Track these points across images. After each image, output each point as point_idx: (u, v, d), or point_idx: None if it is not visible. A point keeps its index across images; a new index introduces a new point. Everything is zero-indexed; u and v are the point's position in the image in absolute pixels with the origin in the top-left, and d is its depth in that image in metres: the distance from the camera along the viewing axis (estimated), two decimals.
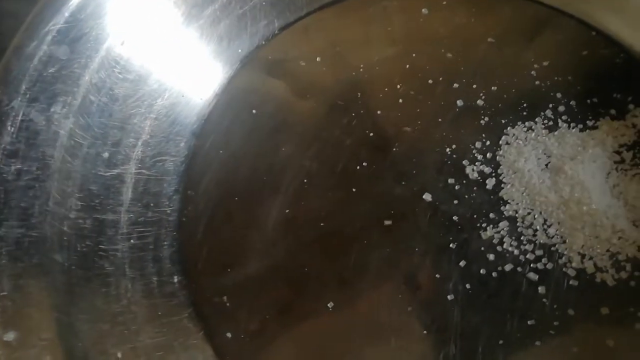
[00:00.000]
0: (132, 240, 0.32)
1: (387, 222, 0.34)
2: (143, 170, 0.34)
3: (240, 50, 0.40)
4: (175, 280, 0.32)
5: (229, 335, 0.32)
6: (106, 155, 0.33)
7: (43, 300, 0.28)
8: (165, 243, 0.33)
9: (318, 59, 0.39)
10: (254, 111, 0.38)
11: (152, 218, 0.33)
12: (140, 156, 0.34)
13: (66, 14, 0.31)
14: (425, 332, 0.31)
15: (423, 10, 0.41)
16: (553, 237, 0.33)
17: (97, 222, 0.31)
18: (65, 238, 0.30)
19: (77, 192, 0.31)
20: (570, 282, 0.31)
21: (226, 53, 0.39)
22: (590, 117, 0.36)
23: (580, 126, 0.35)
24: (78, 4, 0.31)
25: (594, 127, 0.35)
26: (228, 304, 0.32)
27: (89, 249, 0.30)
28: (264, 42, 0.40)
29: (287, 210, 0.34)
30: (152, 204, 0.33)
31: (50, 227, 0.29)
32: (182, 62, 0.37)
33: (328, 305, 0.32)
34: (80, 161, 0.31)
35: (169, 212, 0.34)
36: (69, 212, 0.30)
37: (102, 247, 0.31)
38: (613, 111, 0.36)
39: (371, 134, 0.36)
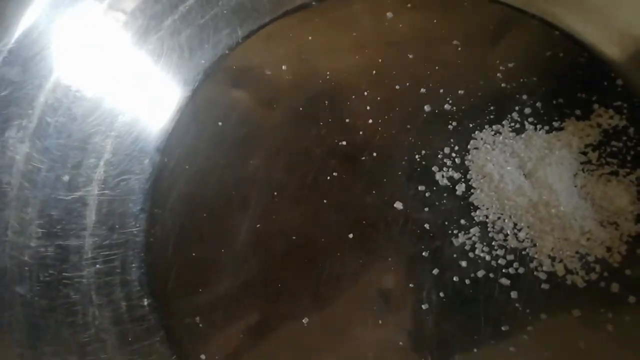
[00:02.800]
0: (97, 265, 0.32)
1: (359, 233, 0.34)
2: (106, 191, 0.33)
3: (203, 61, 0.39)
4: (145, 303, 0.32)
5: (203, 357, 0.32)
6: (66, 178, 0.32)
7: (4, 337, 0.28)
8: (133, 265, 0.33)
9: (284, 67, 0.39)
10: (219, 123, 0.37)
11: (118, 240, 0.33)
12: (102, 176, 0.34)
13: (16, 34, 0.30)
14: (401, 343, 0.31)
15: (388, 14, 0.41)
16: (523, 241, 0.33)
17: (60, 249, 0.31)
18: (26, 268, 0.29)
19: (37, 219, 0.30)
20: (542, 286, 0.32)
21: (188, 65, 0.39)
22: (556, 118, 0.36)
23: (547, 128, 0.36)
24: (29, 23, 0.30)
25: (560, 129, 0.36)
26: (201, 325, 0.32)
27: (52, 278, 0.30)
28: (227, 52, 0.40)
29: (257, 225, 0.34)
30: (117, 226, 0.33)
31: (9, 258, 0.29)
32: (142, 76, 0.37)
33: (303, 321, 0.32)
34: (39, 186, 0.31)
35: (135, 232, 0.34)
36: (29, 241, 0.29)
37: (66, 274, 0.31)
38: (578, 112, 0.36)
39: (340, 143, 0.36)
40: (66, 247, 0.31)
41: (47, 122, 0.31)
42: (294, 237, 0.34)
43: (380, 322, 0.32)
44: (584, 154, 0.35)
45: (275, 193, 0.35)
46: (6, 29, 0.30)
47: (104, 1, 0.34)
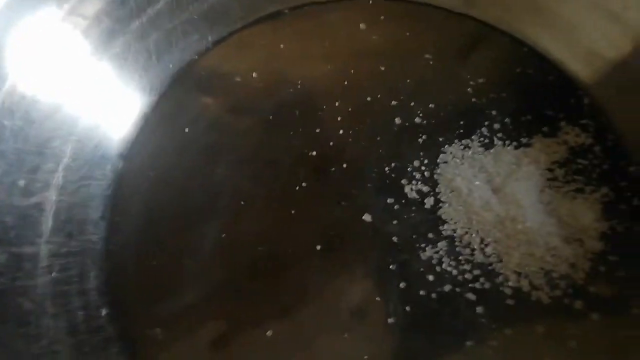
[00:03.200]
0: (53, 274, 0.30)
1: (327, 245, 0.33)
2: (65, 197, 0.32)
3: (170, 66, 0.39)
4: (103, 313, 0.31)
5: None
6: (22, 183, 0.31)
7: None
8: (92, 274, 0.32)
9: (254, 74, 0.39)
10: (186, 130, 0.37)
11: (76, 248, 0.32)
12: (61, 182, 0.32)
13: None
14: (366, 357, 0.31)
15: (361, 25, 0.41)
16: (490, 256, 0.33)
17: (13, 256, 0.30)
18: None
19: None
20: (507, 301, 0.32)
21: (155, 69, 0.38)
22: (524, 135, 0.37)
23: (515, 144, 0.36)
24: None
25: (528, 145, 0.37)
26: (161, 336, 0.31)
27: (4, 287, 0.29)
28: (196, 57, 0.39)
29: (223, 235, 0.34)
30: (75, 233, 0.32)
31: None
32: (106, 80, 0.36)
33: (267, 333, 0.31)
34: None
35: (94, 240, 0.33)
36: None
37: (19, 283, 0.29)
38: (546, 128, 0.37)
39: (310, 153, 0.36)
40: (20, 254, 0.30)
41: (4, 125, 0.30)
42: (260, 248, 0.33)
43: (345, 335, 0.31)
44: (551, 170, 0.36)
45: (242, 202, 0.34)
46: None
47: (65, 4, 0.33)
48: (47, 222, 0.31)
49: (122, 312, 0.32)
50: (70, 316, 0.30)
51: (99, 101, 0.36)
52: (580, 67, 0.39)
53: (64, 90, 0.34)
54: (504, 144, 0.36)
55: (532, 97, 0.38)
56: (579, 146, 0.36)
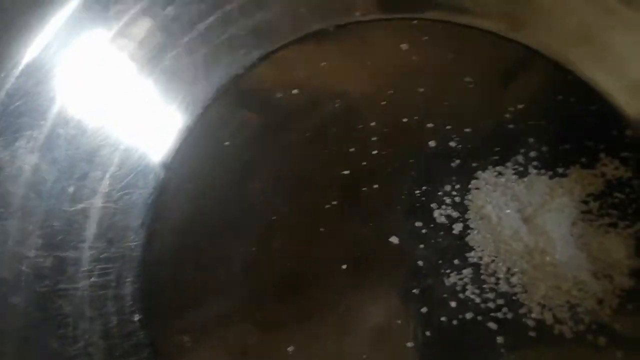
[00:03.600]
0: (93, 278, 0.33)
1: (352, 265, 0.34)
2: (109, 204, 0.34)
3: (216, 80, 0.40)
4: (136, 319, 0.33)
5: None
6: (72, 189, 0.33)
7: None
8: (128, 280, 0.34)
9: (295, 91, 0.40)
10: (226, 143, 0.38)
11: (115, 254, 0.34)
12: (107, 189, 0.35)
13: (34, 49, 0.31)
14: None
15: (402, 45, 0.41)
16: (515, 286, 0.33)
17: (58, 260, 0.32)
18: (23, 279, 0.30)
19: (38, 230, 0.31)
20: (529, 333, 0.32)
21: (201, 83, 0.40)
22: (560, 164, 0.36)
23: (550, 173, 0.36)
24: (47, 39, 0.32)
25: (564, 175, 0.36)
26: (189, 344, 0.33)
27: (47, 289, 0.31)
28: (241, 72, 0.41)
29: (253, 249, 0.35)
30: (116, 239, 0.34)
31: (7, 269, 0.30)
32: (155, 92, 0.38)
33: (288, 349, 0.33)
34: (45, 197, 0.32)
35: (133, 247, 0.35)
36: (28, 251, 0.31)
37: (62, 286, 0.32)
38: (584, 159, 0.36)
39: (343, 172, 0.37)
40: (64, 258, 0.32)
41: (58, 133, 0.33)
42: (287, 264, 0.35)
43: (364, 356, 0.32)
44: (585, 202, 0.35)
45: (274, 218, 0.36)
46: (24, 43, 0.31)
47: (113, 28, 0.35)
48: (91, 228, 0.34)
49: (154, 319, 0.34)
50: (104, 320, 0.32)
51: (146, 113, 0.38)
52: (625, 99, 0.38)
53: (115, 101, 0.36)
54: (538, 173, 0.36)
55: (572, 126, 0.38)
56: (616, 179, 0.36)
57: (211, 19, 0.39)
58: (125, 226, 0.35)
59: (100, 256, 0.34)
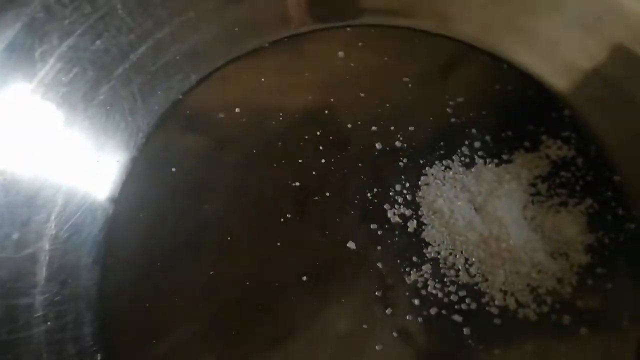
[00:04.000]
0: (49, 323, 0.32)
1: (313, 275, 0.34)
2: (57, 246, 0.33)
3: (156, 107, 0.40)
4: (99, 358, 0.32)
5: None
6: (16, 236, 0.32)
7: None
8: (86, 320, 0.33)
9: (237, 110, 0.40)
10: (173, 169, 0.38)
11: (70, 295, 0.33)
12: (53, 231, 0.34)
13: None
14: None
15: (339, 53, 0.42)
16: (475, 276, 0.34)
17: (9, 309, 0.31)
18: None
19: None
20: (494, 321, 0.32)
21: (141, 112, 0.39)
22: (505, 151, 0.37)
23: (496, 161, 0.37)
24: None
25: (509, 161, 0.37)
26: None
27: (1, 339, 0.30)
28: (180, 97, 0.41)
29: (211, 272, 0.35)
30: (69, 280, 0.33)
31: None
32: (93, 127, 0.37)
33: None
34: None
35: (88, 285, 0.34)
36: None
37: (16, 335, 0.30)
38: (527, 143, 0.37)
39: (293, 184, 0.37)
40: (15, 306, 0.31)
41: None
42: (247, 282, 0.34)
43: None
44: (534, 185, 0.36)
45: (229, 238, 0.35)
46: None
47: (41, 69, 0.34)
48: (41, 272, 0.33)
49: (116, 356, 0.33)
50: None
51: (87, 148, 0.37)
52: (559, 81, 0.39)
53: (51, 143, 0.36)
54: (485, 162, 0.37)
55: (512, 113, 0.39)
56: (561, 159, 0.37)
57: (143, 48, 0.39)
58: (77, 266, 0.34)
59: (54, 299, 0.33)
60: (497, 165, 0.37)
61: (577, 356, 0.32)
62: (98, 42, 0.37)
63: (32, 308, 0.32)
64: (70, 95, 0.37)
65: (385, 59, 0.41)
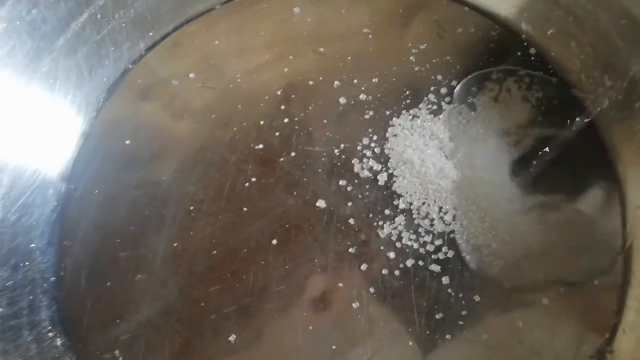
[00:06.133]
0: (1, 309, 0.29)
1: (283, 238, 0.32)
2: (6, 229, 0.31)
3: (105, 79, 0.37)
4: (59, 343, 0.30)
5: None
6: None
7: None
8: (43, 304, 0.31)
9: (192, 75, 0.38)
10: (127, 142, 0.36)
11: (23, 280, 0.31)
12: (0, 214, 0.31)
13: None
14: (334, 347, 0.30)
15: (295, 9, 0.40)
16: (450, 224, 0.32)
17: None
18: None
19: None
20: (473, 267, 0.31)
21: (89, 85, 0.37)
22: (473, 96, 0.35)
23: (464, 106, 0.35)
24: None
25: (478, 106, 0.35)
26: (121, 358, 0.30)
27: None
28: (130, 67, 0.38)
29: (175, 244, 0.33)
30: (21, 264, 0.31)
31: None
32: (37, 102, 0.35)
33: (230, 339, 0.30)
34: None
35: (43, 269, 0.32)
36: None
37: None
38: (495, 86, 0.36)
39: (256, 147, 0.35)
40: None
41: None
42: (214, 252, 0.32)
43: (311, 328, 0.30)
44: (504, 128, 0.34)
45: (192, 208, 0.33)
46: None
47: None
48: None
49: (79, 340, 0.31)
50: (23, 351, 0.29)
51: (33, 125, 0.34)
52: (522, 20, 0.37)
53: None
54: (453, 108, 0.35)
55: (477, 56, 0.37)
56: (535, 100, 0.35)
57: (85, 16, 0.37)
58: (30, 249, 0.32)
59: (6, 285, 0.30)
60: (466, 110, 0.35)
61: (560, 296, 0.31)
62: (34, 11, 0.35)
63: None
64: (10, 69, 0.34)
65: (343, 11, 0.40)
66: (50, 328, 0.30)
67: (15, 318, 0.30)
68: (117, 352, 0.30)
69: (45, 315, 0.31)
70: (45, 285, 0.31)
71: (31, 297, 0.31)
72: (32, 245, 0.32)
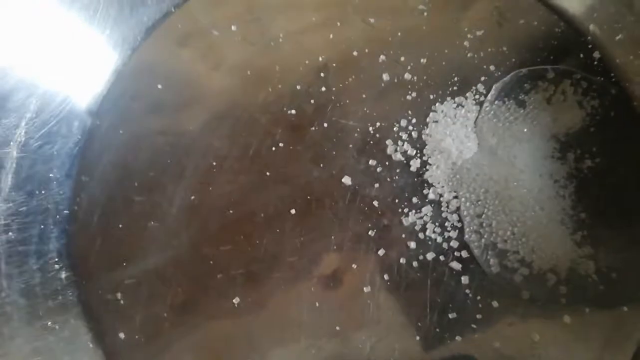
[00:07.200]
0: (10, 233, 0.29)
1: (302, 209, 0.32)
2: (26, 154, 0.31)
3: (145, 19, 0.37)
4: (63, 276, 0.30)
5: (122, 335, 0.30)
6: None
7: None
8: (53, 235, 0.31)
9: (233, 27, 0.37)
10: (159, 86, 0.35)
11: (37, 207, 0.31)
12: (23, 138, 0.31)
13: None
14: (337, 328, 0.29)
15: None
16: (478, 223, 0.31)
17: None
18: None
19: None
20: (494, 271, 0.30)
21: (129, 22, 0.36)
22: (525, 93, 0.34)
23: (514, 102, 0.34)
24: None
25: (530, 104, 0.34)
26: (122, 302, 0.30)
27: None
28: (173, 9, 0.37)
29: (192, 197, 0.32)
30: (37, 192, 0.31)
31: None
32: (74, 32, 0.34)
33: (234, 301, 0.30)
34: None
35: (58, 200, 0.31)
36: None
37: None
38: (550, 87, 0.34)
39: (289, 112, 0.34)
40: None
41: None
42: (230, 211, 0.32)
43: (317, 304, 0.30)
44: (554, 134, 0.33)
45: (214, 163, 0.33)
46: None
47: None
48: (7, 180, 0.30)
49: (83, 276, 0.31)
50: (25, 277, 0.29)
51: (67, 54, 0.34)
52: (590, 20, 0.35)
53: (29, 39, 0.33)
54: (502, 102, 0.34)
55: (535, 51, 0.35)
56: (591, 107, 0.33)
57: None
58: (47, 178, 0.31)
59: (19, 209, 0.30)
60: (515, 106, 0.34)
61: (582, 313, 0.29)
62: None
63: None
64: None
65: None
66: (56, 260, 0.30)
67: (23, 244, 0.30)
68: (119, 295, 0.30)
69: (54, 246, 0.31)
70: (58, 216, 0.31)
71: (42, 226, 0.31)
72: (50, 175, 0.32)
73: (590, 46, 0.35)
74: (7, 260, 0.29)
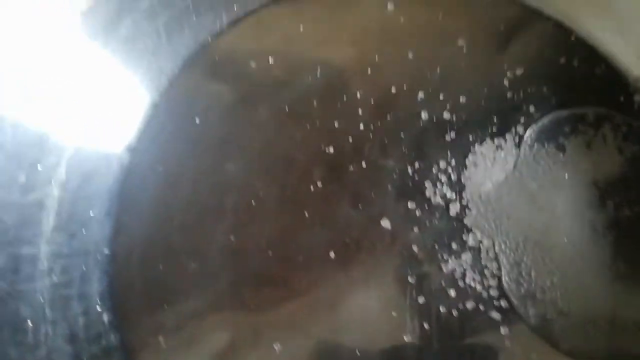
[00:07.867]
0: (54, 277, 0.30)
1: (341, 252, 0.32)
2: (67, 194, 0.31)
3: (182, 49, 0.37)
4: (105, 319, 0.30)
5: None
6: (22, 178, 0.30)
7: None
8: (94, 277, 0.31)
9: (271, 60, 0.37)
10: (197, 120, 0.35)
11: (78, 249, 0.31)
12: (63, 177, 0.31)
13: None
14: None
15: (388, 5, 0.38)
16: (518, 272, 0.31)
17: (12, 258, 0.29)
18: None
19: None
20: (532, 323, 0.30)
21: (165, 52, 0.36)
22: (566, 136, 0.34)
23: (555, 145, 0.34)
24: None
25: (571, 148, 0.34)
26: (164, 345, 0.31)
27: (1, 291, 0.28)
28: (209, 40, 0.37)
29: (231, 237, 0.32)
30: (78, 233, 0.31)
31: None
32: (112, 64, 0.34)
33: (274, 346, 0.30)
34: None
35: (98, 240, 0.32)
36: None
37: (17, 287, 0.29)
38: (590, 130, 0.34)
39: (327, 150, 0.34)
40: (18, 256, 0.29)
41: (2, 116, 0.29)
42: (270, 253, 0.32)
43: (357, 353, 0.30)
44: (596, 181, 0.33)
45: (253, 202, 0.33)
46: None
47: None
48: (48, 221, 0.31)
49: (125, 319, 0.31)
50: (69, 323, 0.30)
51: (104, 88, 0.34)
52: (632, 62, 0.35)
53: (66, 77, 0.33)
54: (542, 145, 0.34)
55: (576, 92, 0.35)
56: (631, 153, 0.33)
57: None
58: (88, 217, 0.32)
59: (61, 251, 0.31)
60: (554, 150, 0.34)
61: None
62: None
63: (36, 259, 0.30)
64: (87, 28, 0.33)
65: (440, 17, 0.38)
66: (99, 303, 0.31)
67: (66, 288, 0.30)
68: (161, 338, 0.31)
69: (95, 288, 0.31)
70: (99, 257, 0.32)
71: (84, 268, 0.31)
72: (91, 214, 0.32)
73: (630, 90, 0.35)
74: (52, 306, 0.29)
